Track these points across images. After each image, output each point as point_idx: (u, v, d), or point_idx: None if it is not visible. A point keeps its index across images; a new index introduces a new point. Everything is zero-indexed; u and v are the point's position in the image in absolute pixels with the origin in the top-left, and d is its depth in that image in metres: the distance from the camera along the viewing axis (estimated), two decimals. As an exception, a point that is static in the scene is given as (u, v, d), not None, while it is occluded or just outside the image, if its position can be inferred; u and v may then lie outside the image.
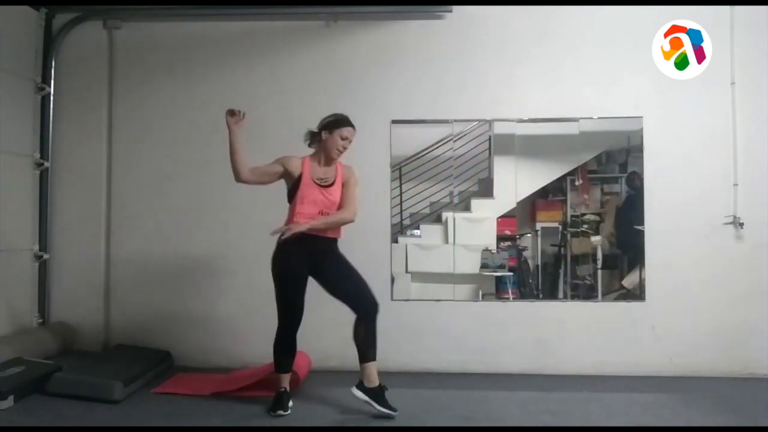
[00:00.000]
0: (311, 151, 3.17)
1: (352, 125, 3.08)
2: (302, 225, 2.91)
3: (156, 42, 4.26)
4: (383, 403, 2.94)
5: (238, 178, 2.98)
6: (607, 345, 3.94)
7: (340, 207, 3.06)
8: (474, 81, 4.07)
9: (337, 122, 3.06)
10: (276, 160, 3.06)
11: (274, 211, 4.08)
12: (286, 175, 3.05)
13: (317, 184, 3.03)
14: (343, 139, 3.04)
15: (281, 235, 2.97)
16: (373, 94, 4.10)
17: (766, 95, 3.93)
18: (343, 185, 3.09)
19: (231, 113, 2.98)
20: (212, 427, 2.89)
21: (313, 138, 3.12)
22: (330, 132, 3.05)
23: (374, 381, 2.97)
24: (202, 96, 4.20)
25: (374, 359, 2.99)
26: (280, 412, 2.99)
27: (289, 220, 3.01)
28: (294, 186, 3.04)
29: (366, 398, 2.96)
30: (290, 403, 3.06)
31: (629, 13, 4.01)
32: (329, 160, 3.08)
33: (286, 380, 3.11)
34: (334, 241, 3.10)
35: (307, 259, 3.01)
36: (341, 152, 3.07)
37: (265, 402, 3.22)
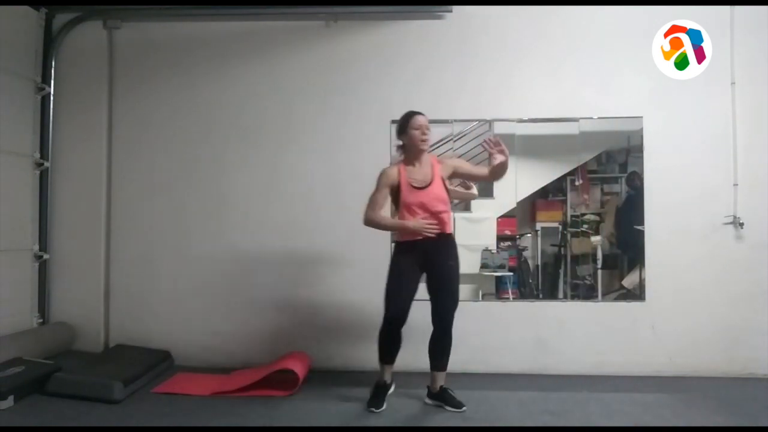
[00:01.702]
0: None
1: (420, 113, 3.14)
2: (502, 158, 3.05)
3: (156, 42, 4.26)
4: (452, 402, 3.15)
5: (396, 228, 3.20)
6: (607, 345, 3.94)
7: (447, 200, 3.13)
8: (474, 81, 4.07)
9: (405, 121, 3.14)
10: (379, 184, 3.12)
11: (274, 211, 4.13)
12: (391, 189, 3.14)
13: (416, 188, 3.07)
14: (416, 129, 3.08)
15: (397, 242, 3.15)
16: (373, 94, 4.10)
17: (766, 95, 3.93)
18: (454, 173, 3.21)
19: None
20: (212, 427, 2.89)
21: (400, 148, 3.21)
22: (405, 133, 3.13)
23: (434, 387, 3.20)
24: (202, 96, 4.20)
25: (440, 369, 3.19)
26: (372, 409, 3.07)
27: (401, 229, 3.10)
28: (396, 194, 3.12)
29: (436, 402, 3.18)
30: (391, 388, 3.27)
31: (629, 13, 4.01)
32: (419, 155, 3.12)
33: (386, 372, 3.23)
34: (448, 237, 3.12)
35: (420, 257, 3.07)
36: (426, 140, 3.10)
37: (265, 402, 3.23)
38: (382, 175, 3.14)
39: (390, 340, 3.17)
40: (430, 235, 3.02)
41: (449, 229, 3.12)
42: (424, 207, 3.04)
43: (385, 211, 4.15)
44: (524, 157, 4.09)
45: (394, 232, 3.21)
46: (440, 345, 3.15)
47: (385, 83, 4.10)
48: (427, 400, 3.21)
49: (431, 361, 3.19)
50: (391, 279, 3.12)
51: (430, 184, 3.08)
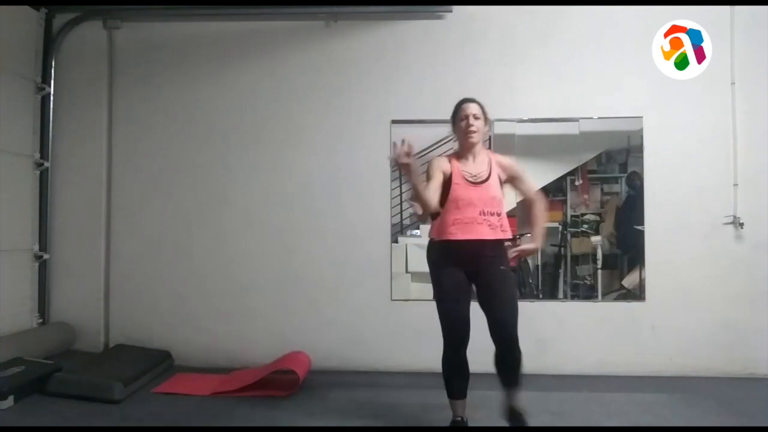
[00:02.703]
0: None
1: (469, 100, 2.76)
2: (532, 246, 2.67)
3: (156, 42, 4.26)
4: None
5: (430, 213, 2.61)
6: (607, 345, 3.94)
7: (501, 203, 2.69)
8: (474, 81, 4.06)
9: (454, 111, 2.79)
10: (432, 169, 2.67)
11: (274, 210, 4.13)
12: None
13: (470, 182, 2.67)
14: (463, 119, 2.71)
15: (433, 240, 2.70)
16: (373, 94, 4.10)
17: (766, 95, 3.93)
18: (514, 179, 2.77)
19: (396, 160, 2.41)
20: (212, 427, 2.89)
21: (453, 137, 2.86)
22: (453, 123, 2.79)
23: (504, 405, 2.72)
24: (202, 96, 4.20)
25: (511, 385, 2.69)
26: None
27: (441, 227, 2.65)
28: (445, 188, 2.65)
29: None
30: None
31: (629, 13, 4.01)
32: (469, 148, 2.72)
33: (459, 407, 2.76)
34: (500, 243, 2.69)
35: (466, 263, 2.66)
36: (472, 132, 2.68)
37: (265, 402, 3.22)
38: (435, 161, 2.72)
39: (455, 369, 2.77)
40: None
41: (505, 234, 2.67)
42: (475, 205, 2.62)
43: (383, 209, 4.13)
44: (524, 157, 4.09)
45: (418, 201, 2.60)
46: (509, 360, 2.70)
47: (385, 83, 4.10)
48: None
49: (499, 378, 2.75)
50: (440, 294, 2.71)
51: (486, 180, 2.68)
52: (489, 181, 2.68)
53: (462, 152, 2.76)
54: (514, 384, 2.69)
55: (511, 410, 2.70)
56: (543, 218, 2.76)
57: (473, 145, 2.72)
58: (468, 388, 2.81)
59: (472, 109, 2.73)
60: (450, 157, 2.78)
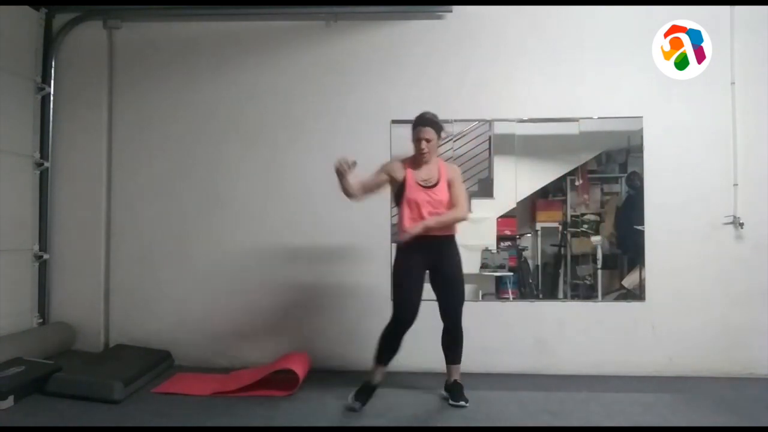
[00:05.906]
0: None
1: (424, 124, 3.13)
2: (418, 227, 3.03)
3: (156, 42, 4.26)
4: (456, 397, 3.21)
5: (352, 198, 3.14)
6: (607, 345, 3.94)
7: (449, 206, 3.13)
8: (474, 81, 4.07)
9: (413, 125, 3.18)
10: (381, 169, 3.21)
11: (274, 211, 4.13)
12: (391, 180, 3.19)
13: (421, 186, 3.11)
14: (416, 141, 3.13)
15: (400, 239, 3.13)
16: (373, 94, 4.10)
17: (766, 95, 3.93)
18: (449, 184, 3.17)
19: (340, 172, 3.01)
20: (212, 427, 2.89)
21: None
22: (412, 134, 3.19)
23: (448, 380, 3.30)
24: (202, 96, 4.20)
25: (453, 362, 3.29)
26: (356, 405, 3.07)
27: (400, 224, 3.14)
28: (400, 190, 3.15)
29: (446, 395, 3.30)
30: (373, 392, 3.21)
31: (629, 13, 4.01)
32: (420, 160, 3.16)
33: (380, 373, 3.21)
34: (450, 238, 3.18)
35: (424, 259, 3.11)
36: (424, 153, 3.12)
37: (265, 402, 3.23)
38: (388, 164, 3.25)
39: (390, 345, 3.17)
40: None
41: (450, 232, 3.18)
42: (424, 206, 3.08)
43: (383, 209, 4.13)
44: (524, 157, 4.10)
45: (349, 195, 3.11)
46: (451, 337, 3.24)
47: (385, 83, 4.10)
48: (443, 392, 3.33)
49: (445, 354, 3.29)
50: (398, 280, 3.17)
51: (435, 185, 3.13)
52: (438, 185, 3.13)
53: (416, 160, 3.17)
54: (456, 360, 3.28)
55: (453, 383, 3.26)
56: (447, 219, 3.11)
57: (424, 158, 3.15)
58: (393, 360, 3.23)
59: (425, 133, 3.10)
60: (406, 162, 3.19)
